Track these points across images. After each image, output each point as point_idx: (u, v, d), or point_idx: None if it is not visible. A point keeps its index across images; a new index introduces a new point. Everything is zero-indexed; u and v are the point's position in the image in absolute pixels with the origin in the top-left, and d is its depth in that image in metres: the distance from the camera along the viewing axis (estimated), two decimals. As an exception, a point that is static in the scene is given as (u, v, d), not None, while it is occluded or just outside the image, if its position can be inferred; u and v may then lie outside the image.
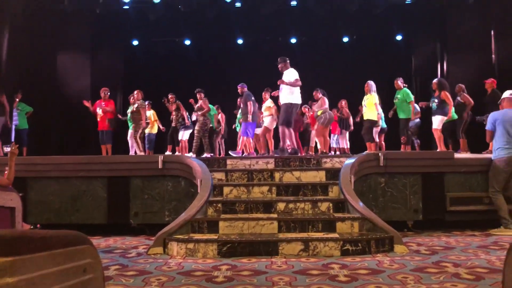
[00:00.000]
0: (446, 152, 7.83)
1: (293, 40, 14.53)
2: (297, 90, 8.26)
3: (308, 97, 10.88)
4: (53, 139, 11.33)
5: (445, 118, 8.67)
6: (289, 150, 8.20)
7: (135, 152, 9.57)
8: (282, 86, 8.25)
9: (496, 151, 6.29)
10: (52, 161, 6.96)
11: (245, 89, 9.65)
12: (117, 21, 13.01)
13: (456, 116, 9.45)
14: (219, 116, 11.41)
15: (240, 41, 14.54)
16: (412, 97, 9.46)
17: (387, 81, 10.29)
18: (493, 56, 11.65)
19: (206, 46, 14.65)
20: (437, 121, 8.65)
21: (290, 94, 8.15)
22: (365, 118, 9.29)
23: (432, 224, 6.58)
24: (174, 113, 10.40)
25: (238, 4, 12.48)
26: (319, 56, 14.17)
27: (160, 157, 6.68)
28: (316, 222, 5.36)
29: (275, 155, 8.15)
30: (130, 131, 10.03)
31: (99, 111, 9.75)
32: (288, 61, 8.44)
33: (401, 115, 9.47)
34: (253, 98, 9.48)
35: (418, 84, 13.77)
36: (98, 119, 9.74)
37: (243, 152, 9.67)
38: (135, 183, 6.75)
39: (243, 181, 6.54)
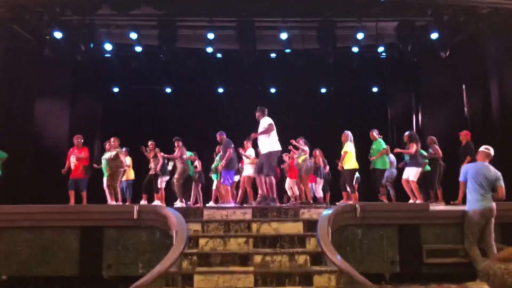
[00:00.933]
0: (422, 204, 7.92)
1: (273, 90, 14.81)
2: (275, 137, 8.32)
3: (285, 145, 10.98)
4: (25, 187, 11.06)
5: (420, 169, 8.86)
6: (268, 200, 8.18)
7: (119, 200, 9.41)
8: (260, 136, 8.32)
9: (470, 203, 6.37)
10: (22, 210, 6.79)
11: (224, 136, 9.71)
12: (98, 68, 13.11)
13: (428, 168, 9.65)
14: (196, 163, 11.39)
15: (220, 90, 14.75)
16: (384, 145, 9.65)
17: (363, 132, 10.50)
18: (465, 108, 12.05)
19: (187, 94, 14.80)
20: (413, 173, 8.82)
21: (269, 143, 8.20)
22: (344, 168, 9.40)
23: (410, 276, 6.54)
24: (152, 160, 10.33)
25: (219, 55, 12.76)
26: (298, 105, 14.42)
27: (136, 207, 6.57)
28: (293, 276, 5.29)
29: (259, 205, 8.08)
30: (106, 179, 9.91)
31: (72, 159, 9.60)
32: (266, 110, 8.56)
33: (376, 165, 9.63)
34: (232, 145, 9.53)
35: (394, 135, 14.06)
36: (72, 167, 9.57)
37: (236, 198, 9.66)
38: (109, 234, 6.59)
39: (219, 232, 6.45)
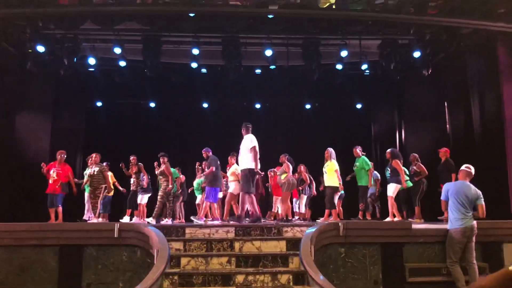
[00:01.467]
0: (404, 222, 7.97)
1: (258, 106, 14.82)
2: (248, 155, 8.29)
3: (270, 161, 10.97)
4: (5, 203, 10.81)
5: (399, 186, 8.96)
6: (247, 219, 8.14)
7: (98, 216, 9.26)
8: (242, 152, 8.30)
9: (452, 221, 6.42)
10: (1, 228, 6.62)
11: (210, 153, 9.66)
12: (81, 82, 12.96)
13: (410, 184, 9.74)
14: (181, 178, 11.31)
15: (205, 105, 14.71)
16: (370, 164, 9.72)
17: (347, 148, 10.53)
18: (447, 126, 12.20)
19: (171, 109, 14.73)
20: (392, 189, 8.92)
21: (249, 160, 8.17)
22: (326, 185, 9.40)
23: (393, 295, 6.53)
24: (134, 176, 10.21)
25: (204, 70, 12.75)
26: (282, 121, 14.46)
27: (116, 225, 6.47)
28: (275, 296, 5.23)
29: (231, 222, 8.03)
30: (87, 194, 9.75)
31: (53, 173, 9.45)
32: (250, 127, 8.56)
33: (360, 182, 9.67)
34: (218, 163, 9.48)
35: (378, 151, 14.15)
36: (50, 181, 9.41)
37: (206, 217, 9.52)
38: (89, 252, 6.48)
39: (201, 252, 6.37)
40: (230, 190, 9.68)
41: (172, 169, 10.10)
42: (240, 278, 5.67)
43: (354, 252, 6.54)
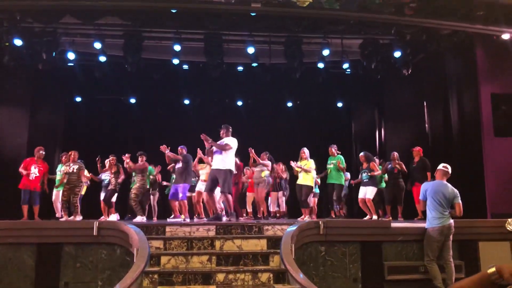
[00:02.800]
0: (383, 221, 8.06)
1: (239, 103, 14.80)
2: (231, 156, 8.13)
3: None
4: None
5: (376, 189, 9.15)
6: (223, 216, 8.13)
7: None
8: (215, 151, 8.20)
9: (429, 220, 6.53)
10: (-25, 226, 6.49)
11: (185, 151, 9.63)
12: (60, 77, 12.73)
13: (384, 185, 9.92)
14: (156, 177, 11.18)
15: (186, 102, 14.62)
16: (343, 162, 9.80)
17: (327, 146, 10.58)
18: (426, 125, 12.39)
19: (152, 105, 14.59)
20: (371, 191, 9.07)
21: (221, 160, 7.97)
22: (303, 183, 9.42)
23: (371, 293, 6.61)
24: (113, 175, 10.08)
25: (185, 67, 12.67)
26: (264, 119, 14.47)
27: (96, 223, 6.40)
28: (255, 295, 5.24)
29: (210, 221, 7.96)
30: (56, 192, 9.61)
31: (35, 170, 9.28)
32: (230, 129, 8.47)
33: (339, 181, 9.74)
34: (191, 161, 9.46)
35: (358, 150, 14.25)
36: (31, 178, 9.23)
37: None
38: (67, 251, 6.40)
39: (182, 250, 6.34)
40: (198, 189, 9.59)
41: (149, 168, 10.05)
42: (220, 277, 5.66)
43: (334, 251, 6.60)
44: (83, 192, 10.35)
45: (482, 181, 9.24)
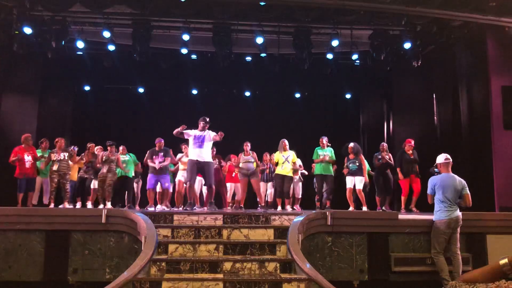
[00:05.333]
0: (391, 212, 8.05)
1: (247, 93, 14.76)
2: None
3: (257, 149, 10.88)
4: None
5: (364, 178, 9.35)
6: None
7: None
8: (206, 145, 8.40)
9: (437, 213, 6.50)
10: (-15, 213, 6.56)
11: (162, 142, 9.85)
12: (69, 65, 12.78)
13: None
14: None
15: (194, 92, 14.62)
16: (333, 155, 9.76)
17: (335, 137, 10.57)
18: (435, 117, 12.31)
19: (160, 94, 14.61)
20: (359, 181, 9.27)
21: (207, 153, 8.45)
22: (287, 174, 9.42)
23: (378, 284, 6.63)
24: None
25: (194, 56, 12.65)
26: (272, 109, 14.43)
27: (104, 211, 6.45)
28: (262, 284, 5.27)
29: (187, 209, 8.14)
30: (42, 179, 9.68)
31: (29, 157, 9.32)
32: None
33: (330, 172, 9.67)
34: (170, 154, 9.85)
35: (366, 141, 14.23)
36: (27, 166, 9.28)
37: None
38: (76, 238, 6.46)
39: (189, 239, 6.37)
40: (180, 178, 9.82)
41: (132, 155, 10.16)
42: (227, 266, 5.69)
43: (341, 241, 6.61)
44: (74, 178, 10.30)
45: (491, 174, 9.20)
